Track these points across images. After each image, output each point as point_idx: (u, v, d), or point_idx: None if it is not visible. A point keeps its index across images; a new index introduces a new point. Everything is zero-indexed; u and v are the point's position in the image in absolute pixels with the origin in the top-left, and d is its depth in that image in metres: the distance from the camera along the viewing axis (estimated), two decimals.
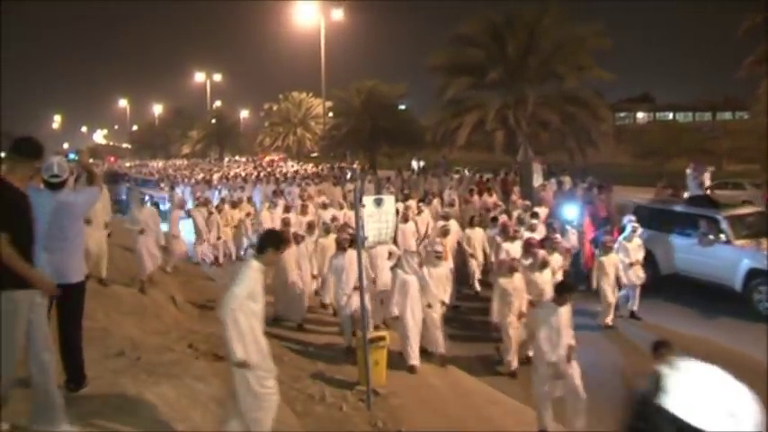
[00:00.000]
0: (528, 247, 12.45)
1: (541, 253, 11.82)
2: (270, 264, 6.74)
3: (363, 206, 9.14)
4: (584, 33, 26.37)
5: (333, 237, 13.77)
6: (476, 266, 15.84)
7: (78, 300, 6.10)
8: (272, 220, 18.99)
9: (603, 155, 29.19)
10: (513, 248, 13.33)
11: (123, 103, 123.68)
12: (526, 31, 26.34)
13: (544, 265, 11.60)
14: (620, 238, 14.55)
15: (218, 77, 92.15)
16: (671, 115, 75.01)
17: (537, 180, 25.35)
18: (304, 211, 18.97)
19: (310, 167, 52.45)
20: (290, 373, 9.72)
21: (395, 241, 16.56)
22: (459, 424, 8.83)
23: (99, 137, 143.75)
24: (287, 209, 19.29)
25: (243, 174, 45.72)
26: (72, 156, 45.61)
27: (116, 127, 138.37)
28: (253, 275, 5.95)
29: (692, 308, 14.20)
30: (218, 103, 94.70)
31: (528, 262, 11.79)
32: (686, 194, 23.69)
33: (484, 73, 26.32)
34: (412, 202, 19.88)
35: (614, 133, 39.35)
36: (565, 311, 8.58)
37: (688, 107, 74.50)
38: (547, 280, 11.44)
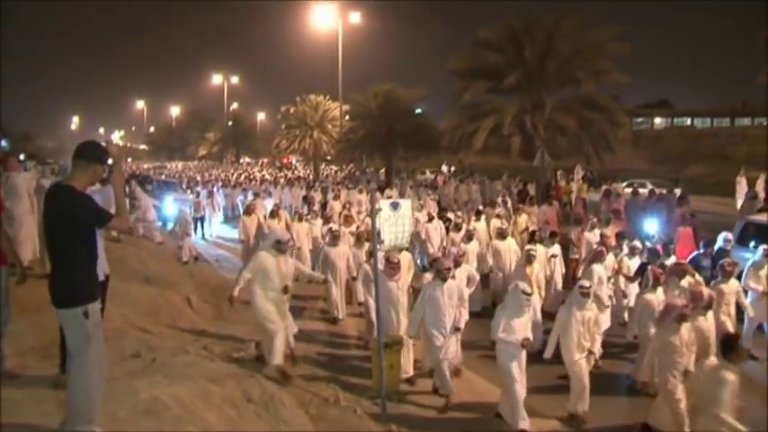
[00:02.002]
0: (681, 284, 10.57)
1: (706, 293, 9.72)
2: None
3: (380, 210, 9.13)
4: (602, 38, 26.29)
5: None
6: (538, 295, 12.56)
7: (103, 297, 6.16)
8: (310, 232, 17.74)
9: (621, 160, 29.08)
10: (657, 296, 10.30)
11: (140, 104, 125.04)
12: (544, 35, 26.30)
13: (708, 306, 9.62)
14: (749, 264, 12.05)
15: (235, 80, 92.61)
16: (689, 121, 74.41)
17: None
18: (348, 221, 17.01)
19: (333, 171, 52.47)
20: (304, 377, 9.73)
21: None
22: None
23: (116, 138, 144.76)
24: (327, 219, 18.29)
25: (268, 177, 45.72)
26: None
27: (133, 128, 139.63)
28: None
29: None
30: (234, 106, 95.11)
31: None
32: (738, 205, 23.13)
33: (502, 77, 26.31)
34: (460, 213, 18.81)
35: (632, 138, 39.25)
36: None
37: (706, 113, 73.77)
38: (710, 325, 9.62)
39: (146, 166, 76.31)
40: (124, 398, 5.97)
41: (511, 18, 27.50)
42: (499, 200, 23.80)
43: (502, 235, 14.83)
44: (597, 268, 11.85)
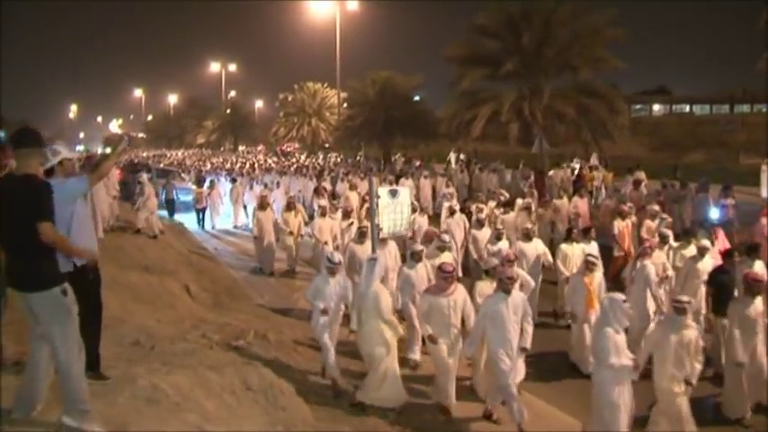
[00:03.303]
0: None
1: None
2: None
3: (379, 197, 9.11)
4: (599, 23, 26.20)
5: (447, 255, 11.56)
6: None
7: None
8: (330, 230, 15.68)
9: (619, 147, 29.01)
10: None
11: (138, 92, 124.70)
12: (542, 22, 26.20)
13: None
14: None
15: (233, 67, 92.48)
16: (687, 108, 74.25)
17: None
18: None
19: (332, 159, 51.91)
20: (303, 365, 9.75)
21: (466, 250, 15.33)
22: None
23: (114, 126, 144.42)
24: (347, 214, 16.09)
25: (273, 165, 44.74)
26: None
27: (131, 117, 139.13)
28: None
29: None
30: (232, 94, 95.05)
31: None
32: (764, 193, 22.37)
33: (499, 64, 26.26)
34: (484, 206, 17.08)
35: (630, 125, 39.10)
36: None
37: (705, 99, 73.61)
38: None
39: (144, 154, 76.05)
40: (123, 386, 5.97)
41: (508, 4, 27.37)
42: (525, 190, 22.05)
43: (527, 236, 12.96)
44: (649, 267, 10.74)
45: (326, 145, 62.07)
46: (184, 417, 5.77)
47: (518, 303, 8.34)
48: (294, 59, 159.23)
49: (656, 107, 76.13)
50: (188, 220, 25.31)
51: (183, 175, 41.41)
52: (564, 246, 12.41)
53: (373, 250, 9.30)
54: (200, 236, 23.32)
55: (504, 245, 12.90)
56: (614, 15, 26.33)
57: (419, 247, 10.86)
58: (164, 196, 25.70)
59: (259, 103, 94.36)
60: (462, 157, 37.27)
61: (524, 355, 8.54)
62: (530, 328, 8.43)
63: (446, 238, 11.99)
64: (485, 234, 14.78)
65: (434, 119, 38.50)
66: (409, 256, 10.80)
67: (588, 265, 10.29)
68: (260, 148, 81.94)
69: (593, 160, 28.93)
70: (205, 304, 13.15)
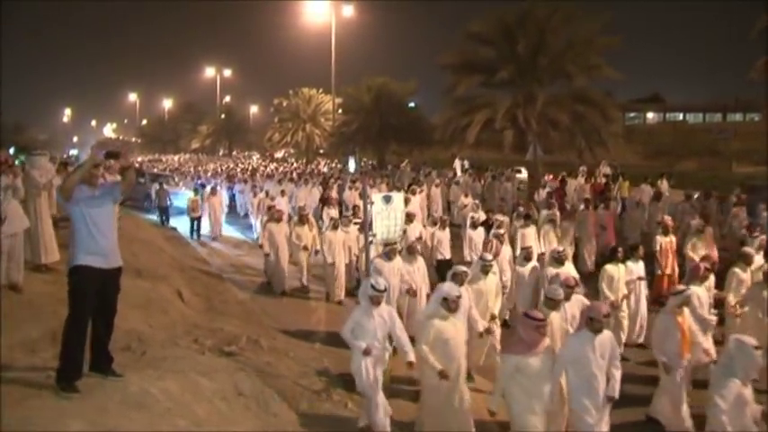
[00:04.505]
0: None
1: None
2: None
3: (372, 203, 9.08)
4: (593, 31, 26.30)
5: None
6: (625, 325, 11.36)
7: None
8: (342, 244, 14.69)
9: (613, 155, 29.08)
10: None
11: (133, 97, 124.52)
12: (537, 30, 26.30)
13: None
14: None
15: (228, 72, 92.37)
16: (681, 116, 74.59)
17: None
18: None
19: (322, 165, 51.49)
20: (295, 370, 9.70)
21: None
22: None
23: (108, 130, 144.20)
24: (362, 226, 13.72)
25: (275, 171, 43.05)
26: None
27: (125, 121, 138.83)
28: None
29: None
30: (227, 99, 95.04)
31: None
32: None
33: (494, 71, 26.31)
34: (502, 218, 15.93)
35: (624, 133, 39.23)
36: None
37: (698, 108, 74.05)
38: None
39: (140, 159, 75.78)
40: (113, 391, 5.96)
41: (503, 11, 27.47)
42: (544, 201, 20.56)
43: (559, 261, 11.19)
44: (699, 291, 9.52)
45: (321, 151, 62.09)
46: (175, 422, 5.76)
47: (606, 345, 7.18)
48: (289, 65, 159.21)
49: (650, 115, 76.47)
50: (180, 224, 24.92)
51: (176, 179, 41.14)
52: (609, 266, 11.21)
53: (366, 255, 9.25)
54: (197, 247, 21.92)
55: (569, 269, 11.25)
56: (609, 21, 26.45)
57: (461, 268, 9.51)
58: (156, 203, 25.24)
59: (254, 109, 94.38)
60: (467, 163, 36.39)
61: (611, 405, 7.22)
62: (618, 374, 7.23)
63: (488, 256, 10.50)
64: (480, 234, 14.33)
65: (429, 125, 38.55)
66: (450, 277, 9.19)
67: (682, 302, 8.43)
68: (248, 153, 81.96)
69: (604, 168, 28.33)
70: (197, 309, 13.09)
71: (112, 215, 6.56)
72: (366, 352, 7.60)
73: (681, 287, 8.79)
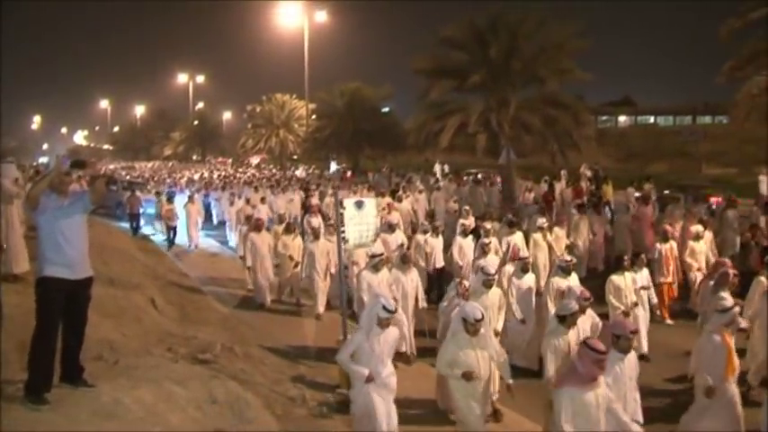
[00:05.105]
0: None
1: None
2: None
3: (344, 209, 9.07)
4: (565, 35, 26.53)
5: None
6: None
7: None
8: (327, 255, 13.90)
9: (585, 158, 29.30)
10: None
11: (104, 103, 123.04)
12: (509, 34, 26.49)
13: None
14: None
15: (200, 79, 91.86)
16: (652, 119, 75.37)
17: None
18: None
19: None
20: (270, 377, 9.67)
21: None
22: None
23: (79, 138, 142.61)
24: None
25: (253, 177, 42.42)
26: None
27: (97, 128, 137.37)
28: None
29: None
30: (200, 105, 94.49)
31: None
32: None
33: (467, 76, 26.41)
34: (489, 226, 15.21)
35: (596, 136, 39.60)
36: None
37: (669, 111, 74.82)
38: None
39: (112, 166, 74.93)
40: (85, 402, 5.90)
41: (475, 16, 27.64)
42: (531, 206, 20.21)
43: (566, 271, 10.53)
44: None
45: (294, 156, 62.02)
46: (148, 431, 5.72)
47: (633, 365, 7.01)
48: (262, 71, 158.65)
49: (622, 118, 77.16)
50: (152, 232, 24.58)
51: (149, 186, 40.75)
52: (614, 277, 10.87)
53: (339, 260, 9.23)
54: (172, 256, 21.41)
55: (530, 280, 11.03)
56: (580, 27, 26.72)
57: (467, 283, 9.38)
58: (128, 210, 24.69)
59: (227, 115, 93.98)
60: (446, 168, 36.09)
61: None
62: (638, 396, 7.16)
63: (491, 270, 9.94)
64: (469, 242, 13.97)
65: (402, 130, 38.64)
66: (454, 293, 9.13)
67: (729, 321, 7.71)
68: (223, 159, 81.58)
69: (586, 170, 28.27)
70: (171, 317, 12.99)
71: (82, 225, 6.48)
72: (369, 379, 7.13)
73: (724, 302, 8.03)
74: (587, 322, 8.18)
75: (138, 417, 5.90)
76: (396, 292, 10.73)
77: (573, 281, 10.32)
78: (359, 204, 9.51)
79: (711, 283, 9.94)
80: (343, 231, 9.20)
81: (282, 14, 51.15)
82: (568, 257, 11.11)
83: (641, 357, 10.29)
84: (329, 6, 50.68)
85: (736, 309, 7.97)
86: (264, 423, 7.19)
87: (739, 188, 23.58)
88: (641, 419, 6.98)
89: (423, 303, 11.34)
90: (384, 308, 7.16)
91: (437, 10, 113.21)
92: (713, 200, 21.41)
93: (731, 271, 9.65)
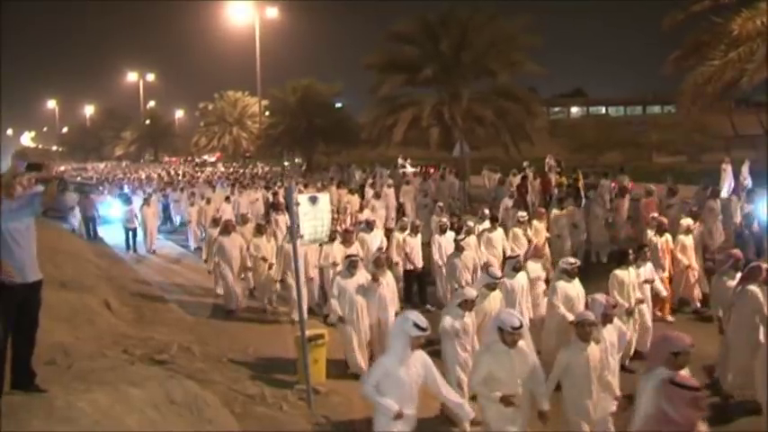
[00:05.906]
0: None
1: None
2: None
3: (298, 204, 9.03)
4: (515, 30, 26.84)
5: None
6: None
7: None
8: (306, 256, 12.80)
9: (538, 149, 29.66)
10: None
11: (52, 104, 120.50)
12: (459, 28, 26.75)
13: None
14: None
15: (151, 77, 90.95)
16: (603, 109, 76.49)
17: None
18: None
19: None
20: (229, 375, 9.63)
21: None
22: None
23: (27, 139, 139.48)
24: (348, 236, 13.23)
25: (211, 176, 41.83)
26: None
27: (45, 129, 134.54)
28: None
29: None
30: (152, 104, 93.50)
31: None
32: (724, 193, 20.49)
33: (418, 70, 26.61)
34: (472, 223, 14.70)
35: (549, 128, 40.04)
36: None
37: (620, 102, 76.07)
38: None
39: (62, 168, 73.34)
40: (38, 408, 5.78)
41: (425, 11, 27.83)
42: (508, 201, 19.10)
43: (571, 275, 9.62)
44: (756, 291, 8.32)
45: (248, 154, 61.62)
46: None
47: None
48: (214, 68, 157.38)
49: (574, 109, 78.21)
50: (108, 235, 24.07)
51: (101, 188, 40.04)
52: (618, 271, 10.08)
53: (295, 258, 9.20)
54: (130, 260, 20.74)
55: (522, 279, 10.30)
56: (529, 22, 27.03)
57: (472, 293, 8.41)
58: (80, 213, 23.61)
59: (179, 113, 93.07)
60: (409, 162, 35.50)
61: None
62: None
63: (497, 273, 9.39)
64: (449, 239, 13.32)
65: (356, 125, 38.69)
66: (456, 303, 8.30)
67: None
68: (173, 158, 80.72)
69: (550, 161, 27.88)
70: (126, 319, 12.83)
71: (31, 227, 6.36)
72: (398, 416, 6.00)
73: None
74: (614, 333, 7.33)
75: (94, 420, 5.81)
76: (371, 298, 10.18)
77: (577, 284, 9.60)
78: (313, 200, 9.47)
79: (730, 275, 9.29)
80: (299, 227, 9.15)
81: (233, 11, 50.76)
82: (572, 260, 10.10)
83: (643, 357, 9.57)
84: (280, 3, 50.47)
85: None
86: (224, 422, 7.16)
87: (688, 176, 24.12)
88: None
89: (396, 308, 10.57)
90: (416, 325, 5.99)
91: (388, 7, 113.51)
92: (612, 184, 21.87)
93: (765, 265, 8.64)
